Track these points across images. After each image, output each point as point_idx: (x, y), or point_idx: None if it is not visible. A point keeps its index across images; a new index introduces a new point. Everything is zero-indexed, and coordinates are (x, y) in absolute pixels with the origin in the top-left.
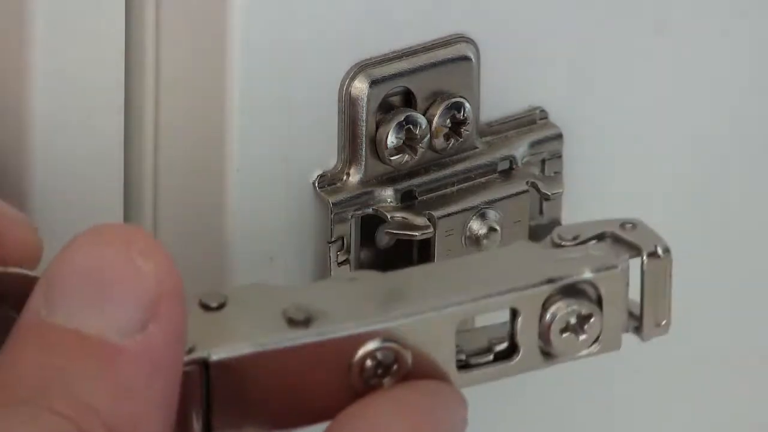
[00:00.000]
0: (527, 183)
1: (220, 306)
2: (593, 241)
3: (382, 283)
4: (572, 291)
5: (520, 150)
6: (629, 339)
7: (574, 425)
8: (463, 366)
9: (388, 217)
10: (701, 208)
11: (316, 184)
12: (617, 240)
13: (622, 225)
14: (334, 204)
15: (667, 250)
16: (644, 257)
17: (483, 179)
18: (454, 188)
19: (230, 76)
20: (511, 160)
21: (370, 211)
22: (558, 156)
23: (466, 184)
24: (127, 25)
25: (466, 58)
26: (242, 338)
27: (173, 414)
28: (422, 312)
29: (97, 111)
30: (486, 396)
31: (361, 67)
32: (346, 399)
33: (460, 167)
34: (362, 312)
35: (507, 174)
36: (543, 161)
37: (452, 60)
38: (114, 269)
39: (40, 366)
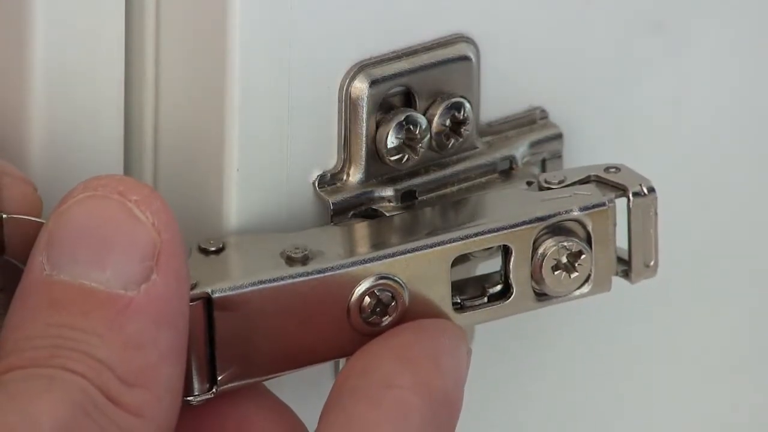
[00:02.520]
0: (527, 183)
1: (219, 250)
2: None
3: (375, 227)
4: (561, 230)
5: (520, 150)
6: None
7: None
8: (459, 308)
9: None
10: (701, 208)
11: (316, 184)
12: (602, 182)
13: (606, 169)
14: (334, 204)
15: (651, 189)
16: (630, 195)
17: (483, 179)
18: (454, 188)
19: (230, 76)
20: (511, 160)
21: (370, 211)
22: (558, 156)
23: (466, 184)
24: (127, 24)
25: (466, 58)
26: (243, 275)
27: (183, 362)
28: (416, 249)
29: (97, 111)
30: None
31: (361, 67)
32: (348, 339)
33: (460, 167)
34: (358, 251)
35: (507, 174)
36: (543, 161)
37: (452, 60)
38: (113, 222)
39: (48, 325)
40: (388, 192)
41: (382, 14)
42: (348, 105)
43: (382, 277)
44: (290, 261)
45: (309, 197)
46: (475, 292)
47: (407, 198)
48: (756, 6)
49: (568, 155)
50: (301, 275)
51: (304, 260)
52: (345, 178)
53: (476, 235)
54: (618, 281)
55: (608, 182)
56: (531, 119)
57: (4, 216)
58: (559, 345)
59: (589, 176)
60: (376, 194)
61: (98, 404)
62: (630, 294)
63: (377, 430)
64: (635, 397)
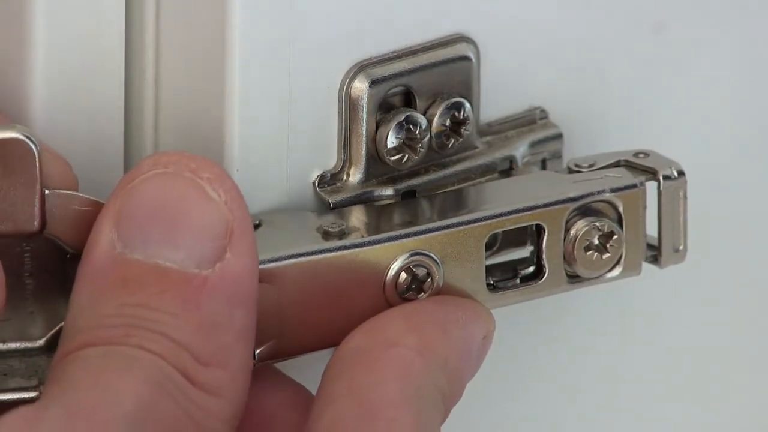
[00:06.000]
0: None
1: (256, 227)
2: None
3: (410, 206)
4: (592, 211)
5: (520, 150)
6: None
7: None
8: (492, 289)
9: None
10: (702, 208)
11: (316, 184)
12: (632, 166)
13: (636, 154)
14: (334, 204)
15: (681, 173)
16: (660, 178)
17: (483, 179)
18: (455, 188)
19: (230, 76)
20: (511, 160)
21: None
22: (558, 156)
23: (466, 184)
24: (127, 25)
25: (466, 58)
26: (281, 248)
27: (253, 340)
28: (451, 226)
29: (97, 111)
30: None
31: (361, 67)
32: None
33: (460, 167)
34: (394, 227)
35: (507, 174)
36: (543, 161)
37: (452, 60)
38: (186, 200)
39: (123, 304)
40: (388, 192)
41: (382, 14)
42: (348, 105)
43: (417, 253)
44: (327, 236)
45: (309, 197)
46: (508, 274)
47: (407, 198)
48: (757, 5)
49: (569, 155)
50: (338, 249)
51: (341, 235)
52: (345, 178)
53: (511, 213)
54: (618, 285)
55: (638, 166)
56: (531, 119)
57: (47, 191)
58: (559, 344)
59: (618, 160)
60: (376, 194)
61: (176, 383)
62: (630, 292)
63: (379, 389)
64: (634, 396)
